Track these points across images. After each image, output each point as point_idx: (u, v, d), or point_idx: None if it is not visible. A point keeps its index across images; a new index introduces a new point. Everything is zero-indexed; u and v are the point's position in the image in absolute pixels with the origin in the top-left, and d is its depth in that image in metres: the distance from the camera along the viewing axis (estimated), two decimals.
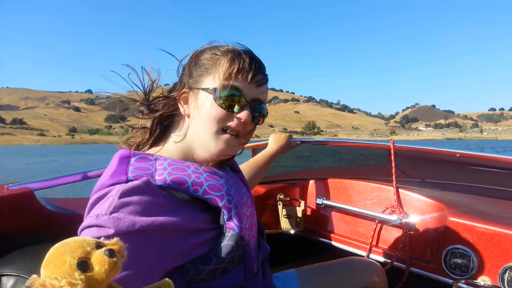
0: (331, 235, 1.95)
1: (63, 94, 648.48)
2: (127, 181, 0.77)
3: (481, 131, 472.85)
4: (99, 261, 0.54)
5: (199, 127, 0.90)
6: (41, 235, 1.09)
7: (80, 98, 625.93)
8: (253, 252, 0.95)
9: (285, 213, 2.01)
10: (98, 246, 0.56)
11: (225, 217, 0.85)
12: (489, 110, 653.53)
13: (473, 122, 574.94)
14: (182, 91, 0.93)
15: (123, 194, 0.73)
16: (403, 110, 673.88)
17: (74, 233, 0.68)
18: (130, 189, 0.74)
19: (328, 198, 2.02)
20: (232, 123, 0.90)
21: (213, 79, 0.89)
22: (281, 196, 2.02)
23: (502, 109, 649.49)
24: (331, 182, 2.04)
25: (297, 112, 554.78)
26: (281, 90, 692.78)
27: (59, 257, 0.53)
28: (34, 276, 0.51)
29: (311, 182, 2.11)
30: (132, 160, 0.83)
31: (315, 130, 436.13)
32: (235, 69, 0.88)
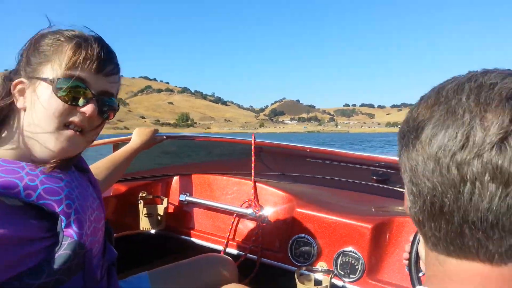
0: (193, 232, 1.97)
1: None
2: None
3: (336, 125, 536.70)
4: None
5: (37, 122, 0.79)
6: None
7: None
8: (96, 259, 0.89)
9: (145, 212, 1.97)
10: None
11: (62, 223, 0.77)
12: (343, 105, 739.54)
13: (330, 116, 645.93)
14: (18, 80, 0.80)
15: None
16: (272, 104, 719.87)
17: None
18: None
19: (191, 194, 2.04)
20: (76, 118, 0.81)
21: (54, 68, 0.78)
22: (143, 194, 1.99)
23: (354, 105, 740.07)
24: (195, 177, 2.06)
25: (171, 103, 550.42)
26: (154, 79, 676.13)
27: None
28: None
29: (175, 178, 2.11)
30: None
31: (189, 122, 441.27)
32: (81, 58, 0.78)
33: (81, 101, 0.80)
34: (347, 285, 1.52)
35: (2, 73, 0.84)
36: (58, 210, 0.77)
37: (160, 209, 1.98)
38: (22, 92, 0.81)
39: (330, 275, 1.51)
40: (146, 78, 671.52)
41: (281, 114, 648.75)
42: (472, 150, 0.43)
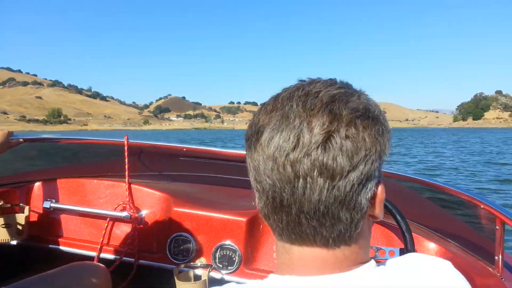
0: (61, 239, 1.87)
1: None
2: None
3: (222, 122, 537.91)
4: None
5: None
6: None
7: None
8: None
9: (2, 222, 1.80)
10: None
11: None
12: (229, 103, 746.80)
13: (216, 113, 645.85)
14: None
15: None
16: (157, 100, 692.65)
17: None
18: None
19: (57, 201, 1.92)
20: None
21: None
22: (1, 203, 1.82)
23: (239, 102, 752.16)
24: (62, 182, 1.95)
25: (39, 97, 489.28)
26: (19, 71, 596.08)
27: None
28: None
29: (38, 184, 1.98)
30: None
31: (61, 118, 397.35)
32: None
33: None
34: (225, 276, 1.56)
35: None
36: None
37: (20, 218, 1.82)
38: None
39: (208, 269, 1.56)
40: (8, 69, 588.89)
41: (167, 111, 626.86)
42: (302, 150, 0.50)
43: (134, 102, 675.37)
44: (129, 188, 1.81)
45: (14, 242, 1.86)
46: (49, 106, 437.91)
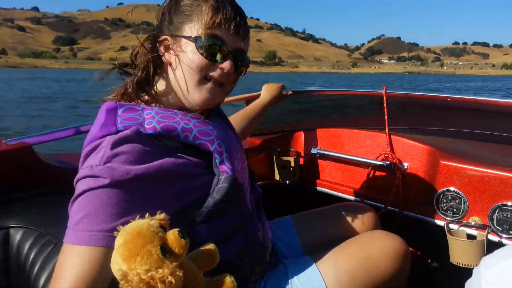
0: (326, 183, 1.97)
1: (6, 11, 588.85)
2: (117, 131, 0.77)
3: (442, 65, 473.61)
4: (177, 245, 0.61)
5: (182, 75, 0.89)
6: (40, 187, 1.14)
7: (25, 16, 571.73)
8: (247, 194, 0.97)
9: (280, 164, 2.03)
10: (161, 226, 0.62)
11: (217, 160, 0.86)
12: (452, 43, 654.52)
13: (436, 55, 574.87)
14: (163, 37, 0.89)
15: (114, 145, 0.74)
16: (369, 42, 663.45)
17: (70, 185, 0.72)
18: (120, 139, 0.75)
19: (322, 148, 2.01)
20: (215, 73, 0.89)
21: (195, 27, 0.86)
22: (276, 147, 2.03)
23: (465, 43, 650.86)
24: (324, 131, 2.05)
25: (259, 40, 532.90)
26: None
27: (142, 248, 0.58)
28: (123, 271, 0.57)
29: (305, 132, 2.11)
30: (119, 111, 0.82)
31: (276, 60, 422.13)
32: (218, 18, 0.85)
33: (218, 57, 0.86)
34: (504, 241, 1.42)
35: (144, 35, 0.91)
36: (212, 148, 0.86)
37: (294, 161, 2.01)
38: (167, 48, 0.89)
39: (486, 230, 1.42)
40: None
41: (379, 53, 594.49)
42: None
43: (345, 44, 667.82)
44: (390, 139, 1.77)
45: (287, 182, 2.07)
46: (266, 49, 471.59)
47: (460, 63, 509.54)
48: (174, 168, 0.79)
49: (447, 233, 1.47)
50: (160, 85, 0.92)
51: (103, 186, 0.69)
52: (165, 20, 0.90)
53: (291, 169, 2.02)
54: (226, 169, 0.87)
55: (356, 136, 1.93)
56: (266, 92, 1.73)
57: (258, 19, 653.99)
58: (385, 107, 1.80)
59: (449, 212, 1.55)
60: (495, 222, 1.43)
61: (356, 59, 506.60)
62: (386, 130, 1.78)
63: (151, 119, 0.82)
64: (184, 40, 0.86)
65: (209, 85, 0.89)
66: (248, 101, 1.89)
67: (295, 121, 2.54)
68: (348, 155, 1.89)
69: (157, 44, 0.89)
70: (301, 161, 2.07)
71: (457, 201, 1.53)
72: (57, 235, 0.88)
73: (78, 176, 0.74)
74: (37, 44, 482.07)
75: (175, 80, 0.90)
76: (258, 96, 1.72)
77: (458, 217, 1.52)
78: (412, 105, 2.14)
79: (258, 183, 1.20)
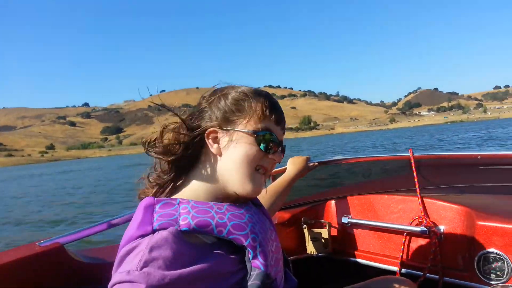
0: (361, 253, 1.92)
1: (60, 110, 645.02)
2: (153, 231, 0.78)
3: (485, 111, 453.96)
4: None
5: (233, 167, 0.91)
6: (74, 285, 1.18)
7: (76, 113, 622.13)
8: (280, 286, 0.96)
9: (311, 236, 1.99)
10: None
11: (250, 256, 0.85)
12: (494, 88, 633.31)
13: (478, 102, 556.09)
14: (213, 129, 0.93)
15: (152, 248, 0.74)
16: (405, 96, 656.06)
17: (105, 281, 0.73)
18: (158, 242, 0.76)
19: (353, 216, 1.98)
20: (265, 163, 0.94)
21: (250, 122, 0.92)
22: (306, 219, 2.00)
23: (507, 86, 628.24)
24: (354, 199, 2.02)
25: (293, 107, 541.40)
26: (278, 87, 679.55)
27: None
28: None
29: (333, 201, 2.09)
30: (157, 207, 0.84)
31: (311, 124, 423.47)
32: (268, 113, 0.93)
33: (271, 149, 0.93)
34: None
35: (184, 119, 0.94)
36: (245, 243, 0.85)
37: (325, 233, 1.96)
38: (215, 140, 0.93)
39: None
40: (270, 86, 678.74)
41: (417, 106, 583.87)
42: None
43: (381, 101, 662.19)
44: (422, 202, 1.75)
45: (320, 255, 1.99)
46: (301, 114, 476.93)
47: (504, 107, 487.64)
48: (209, 269, 0.78)
49: None
50: (202, 176, 0.93)
51: None
52: (212, 113, 0.94)
53: (323, 240, 1.97)
54: (259, 264, 0.85)
55: (388, 201, 1.87)
56: (292, 165, 1.74)
57: (292, 88, 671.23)
58: (414, 169, 1.77)
59: (492, 275, 1.47)
60: None
61: (393, 114, 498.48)
62: (418, 193, 1.75)
63: (187, 214, 0.83)
64: (238, 133, 0.91)
65: (258, 175, 0.94)
66: (274, 176, 1.86)
67: (322, 192, 2.46)
68: (381, 222, 1.84)
69: (206, 136, 0.93)
70: (333, 231, 2.02)
71: (500, 263, 1.45)
72: None
73: (114, 280, 0.73)
74: (86, 136, 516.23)
75: (224, 171, 0.92)
76: (284, 170, 1.73)
77: (503, 280, 1.43)
78: (441, 165, 2.08)
79: (289, 257, 1.20)
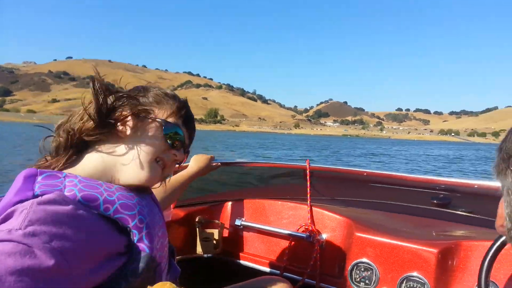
0: (249, 256, 1.99)
1: None
2: (34, 196, 0.73)
3: (381, 129, 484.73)
4: None
5: (134, 152, 0.91)
6: None
7: None
8: (163, 273, 0.94)
9: (202, 237, 2.00)
10: None
11: (135, 237, 0.83)
12: (396, 109, 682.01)
13: (378, 120, 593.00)
14: (124, 112, 0.92)
15: (38, 208, 0.69)
16: (317, 105, 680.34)
17: None
18: (45, 201, 0.71)
19: (247, 219, 2.04)
20: (166, 157, 0.95)
21: (162, 114, 0.95)
22: (200, 219, 2.01)
23: (408, 109, 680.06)
24: (249, 202, 2.08)
25: (205, 98, 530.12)
26: (198, 75, 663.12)
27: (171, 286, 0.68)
28: None
29: (230, 203, 2.14)
30: (39, 178, 0.79)
31: (217, 118, 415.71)
32: (182, 113, 0.98)
33: (176, 145, 0.96)
34: None
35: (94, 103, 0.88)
36: (131, 224, 0.83)
37: (216, 234, 1.99)
38: (124, 124, 0.92)
39: None
40: (189, 73, 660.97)
41: (326, 116, 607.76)
42: None
43: (295, 106, 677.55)
44: (311, 211, 1.85)
45: (209, 255, 2.03)
46: (211, 106, 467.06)
47: (400, 128, 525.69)
48: (95, 244, 0.74)
49: None
50: (97, 155, 0.91)
51: (22, 252, 0.62)
52: (128, 98, 0.93)
53: (214, 241, 1.99)
54: (144, 247, 0.83)
55: (280, 207, 1.97)
56: (194, 162, 1.73)
57: (211, 79, 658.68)
58: (308, 179, 1.89)
59: (361, 283, 1.59)
60: None
61: (300, 120, 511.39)
62: (308, 201, 1.86)
63: (73, 186, 0.79)
64: (149, 121, 0.93)
65: (157, 166, 0.94)
66: (176, 171, 1.83)
67: (220, 192, 2.52)
68: (271, 226, 1.92)
69: (115, 115, 0.91)
70: (225, 232, 2.07)
71: (369, 272, 1.58)
72: None
73: None
74: None
75: (122, 154, 0.91)
76: (186, 166, 1.71)
77: None
78: (333, 178, 2.22)
79: (178, 257, 1.20)
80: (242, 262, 2.00)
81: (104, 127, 0.90)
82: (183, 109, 0.99)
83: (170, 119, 0.95)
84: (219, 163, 1.89)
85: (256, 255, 1.97)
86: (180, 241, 1.99)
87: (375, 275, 1.56)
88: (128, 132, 0.92)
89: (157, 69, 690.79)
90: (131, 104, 0.93)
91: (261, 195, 2.13)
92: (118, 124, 0.91)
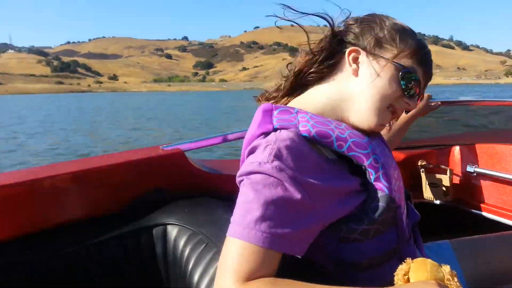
0: (485, 206, 1.79)
1: (161, 42, 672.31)
2: (274, 129, 0.76)
3: None
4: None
5: (366, 94, 0.84)
6: (192, 190, 1.20)
7: (175, 46, 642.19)
8: (403, 217, 0.87)
9: (429, 181, 1.86)
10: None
11: (371, 177, 0.78)
12: None
13: None
14: (355, 49, 0.85)
15: (280, 143, 0.71)
16: None
17: (220, 190, 0.74)
18: (285, 138, 0.73)
19: (480, 166, 1.84)
20: (398, 105, 0.86)
21: (398, 55, 0.83)
22: (424, 163, 1.87)
23: None
24: (481, 147, 1.86)
25: None
26: None
27: (433, 267, 0.63)
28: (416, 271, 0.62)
29: (457, 147, 1.92)
30: (275, 112, 0.81)
31: None
32: (421, 55, 0.84)
33: (411, 93, 0.84)
34: None
35: (333, 29, 0.86)
36: (366, 163, 0.78)
37: (446, 180, 1.83)
38: (355, 61, 0.85)
39: None
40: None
41: None
42: None
43: (508, 50, 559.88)
44: None
45: (437, 202, 1.88)
46: None
47: None
48: (334, 182, 0.74)
49: None
50: (326, 92, 0.87)
51: (272, 184, 0.67)
52: (362, 33, 0.86)
53: (444, 188, 1.84)
54: (382, 187, 0.79)
55: None
56: None
57: None
58: None
59: None
60: None
61: (511, 66, 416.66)
62: None
63: (306, 122, 0.78)
64: (384, 62, 0.83)
65: (387, 114, 0.86)
66: None
67: (443, 135, 2.28)
68: (508, 174, 1.71)
69: (347, 53, 0.85)
70: (455, 179, 1.89)
71: None
72: (208, 235, 0.94)
73: (243, 170, 0.73)
74: (180, 69, 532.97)
75: (352, 94, 0.85)
76: None
77: None
78: None
79: None
80: (477, 212, 1.81)
81: (330, 61, 0.86)
82: (423, 50, 0.85)
83: (407, 61, 0.83)
84: (439, 102, 1.64)
85: (495, 206, 1.76)
86: (404, 185, 1.73)
87: None
88: (359, 70, 0.85)
89: None
90: (366, 38, 0.85)
91: (496, 139, 1.87)
92: (350, 59, 0.85)
